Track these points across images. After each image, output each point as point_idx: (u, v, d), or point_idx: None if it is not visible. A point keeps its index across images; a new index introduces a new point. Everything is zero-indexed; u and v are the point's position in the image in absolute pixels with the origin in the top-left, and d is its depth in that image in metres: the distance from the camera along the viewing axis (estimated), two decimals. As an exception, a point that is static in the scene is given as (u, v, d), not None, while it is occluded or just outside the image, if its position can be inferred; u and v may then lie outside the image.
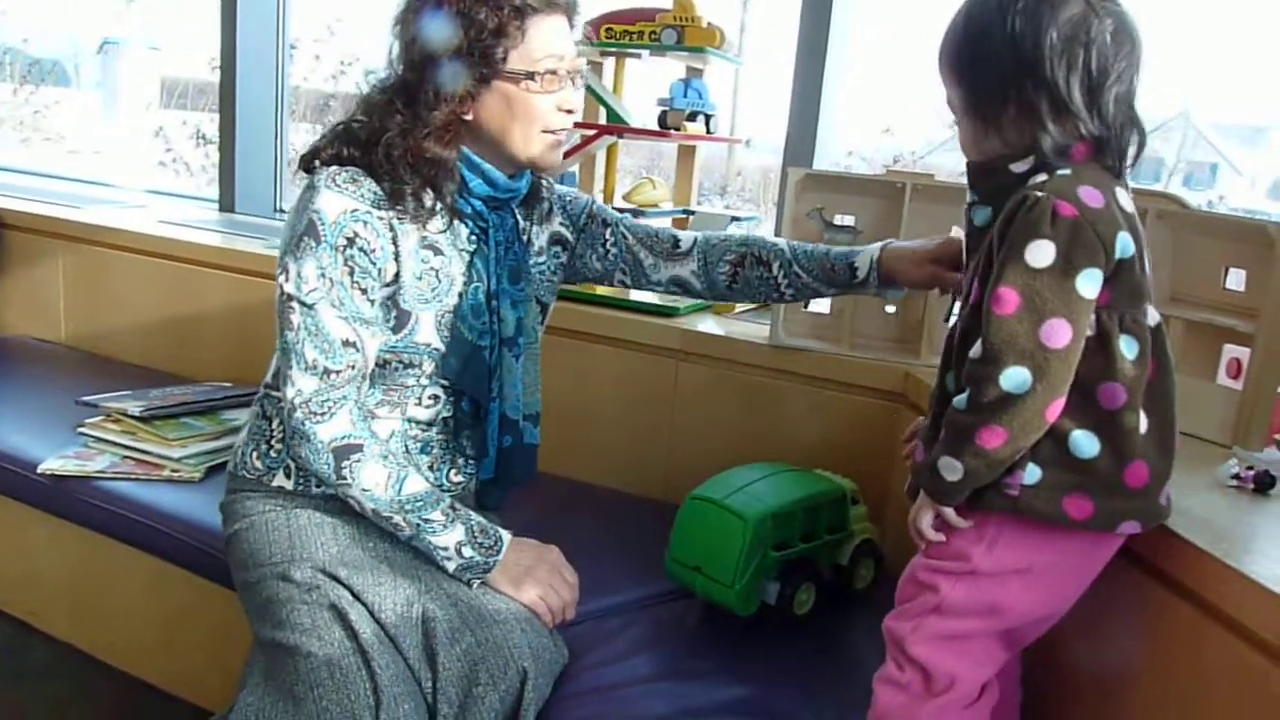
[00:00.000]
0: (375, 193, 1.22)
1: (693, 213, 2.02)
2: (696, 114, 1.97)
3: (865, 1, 2.11)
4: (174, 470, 1.79)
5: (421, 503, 1.22)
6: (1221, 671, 0.89)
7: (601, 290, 1.87)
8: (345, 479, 1.20)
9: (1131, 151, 0.94)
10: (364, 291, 1.21)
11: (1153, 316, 0.93)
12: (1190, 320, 1.29)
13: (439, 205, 1.26)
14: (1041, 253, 0.87)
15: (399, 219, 1.23)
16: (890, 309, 1.68)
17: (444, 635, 1.18)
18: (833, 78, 2.04)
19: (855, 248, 1.39)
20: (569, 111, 1.27)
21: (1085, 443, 0.91)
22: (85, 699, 1.84)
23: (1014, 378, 0.88)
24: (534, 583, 1.25)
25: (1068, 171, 0.91)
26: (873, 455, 1.60)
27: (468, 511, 1.26)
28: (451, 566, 1.24)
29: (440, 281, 1.28)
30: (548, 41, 1.22)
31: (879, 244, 1.37)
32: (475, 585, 1.25)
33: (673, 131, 1.94)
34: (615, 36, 1.90)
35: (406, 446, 1.31)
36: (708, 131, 2.00)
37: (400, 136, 1.21)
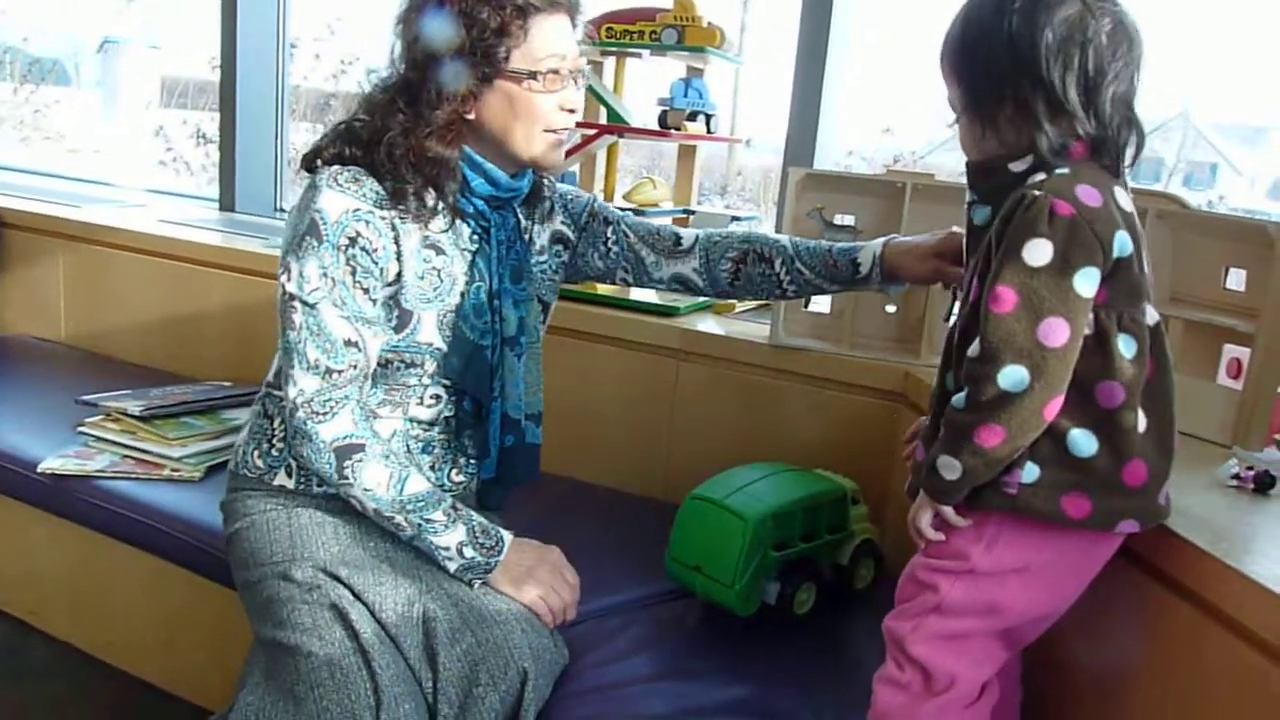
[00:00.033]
0: (377, 192, 1.22)
1: (693, 212, 2.02)
2: (697, 114, 1.97)
3: (865, 2, 2.11)
4: (174, 469, 1.79)
5: (423, 503, 1.22)
6: (1221, 671, 0.89)
7: (602, 289, 1.87)
8: (347, 479, 1.20)
9: (1130, 152, 0.94)
10: (366, 291, 1.21)
11: (1151, 316, 0.93)
12: (1190, 320, 1.29)
13: (441, 205, 1.26)
14: (1039, 251, 0.88)
15: (401, 218, 1.23)
16: (890, 308, 1.68)
17: (444, 635, 1.18)
18: (833, 78, 2.04)
19: (857, 244, 1.38)
20: (571, 111, 1.27)
21: (1083, 441, 0.91)
22: (85, 698, 1.84)
23: (1012, 376, 0.88)
24: (535, 583, 1.25)
25: (1066, 171, 0.91)
26: (873, 455, 1.60)
27: (469, 512, 1.26)
28: (453, 567, 1.24)
29: (442, 281, 1.28)
30: (550, 41, 1.22)
31: (881, 239, 1.37)
32: (476, 585, 1.25)
33: (673, 131, 1.94)
34: (616, 36, 1.90)
35: (408, 446, 1.31)
36: (708, 131, 2.00)
37: (402, 136, 1.21)
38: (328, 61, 5.15)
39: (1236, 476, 1.11)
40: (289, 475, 1.31)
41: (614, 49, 1.93)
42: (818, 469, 1.47)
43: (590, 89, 1.88)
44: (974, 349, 0.91)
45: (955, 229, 1.31)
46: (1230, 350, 1.28)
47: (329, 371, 1.19)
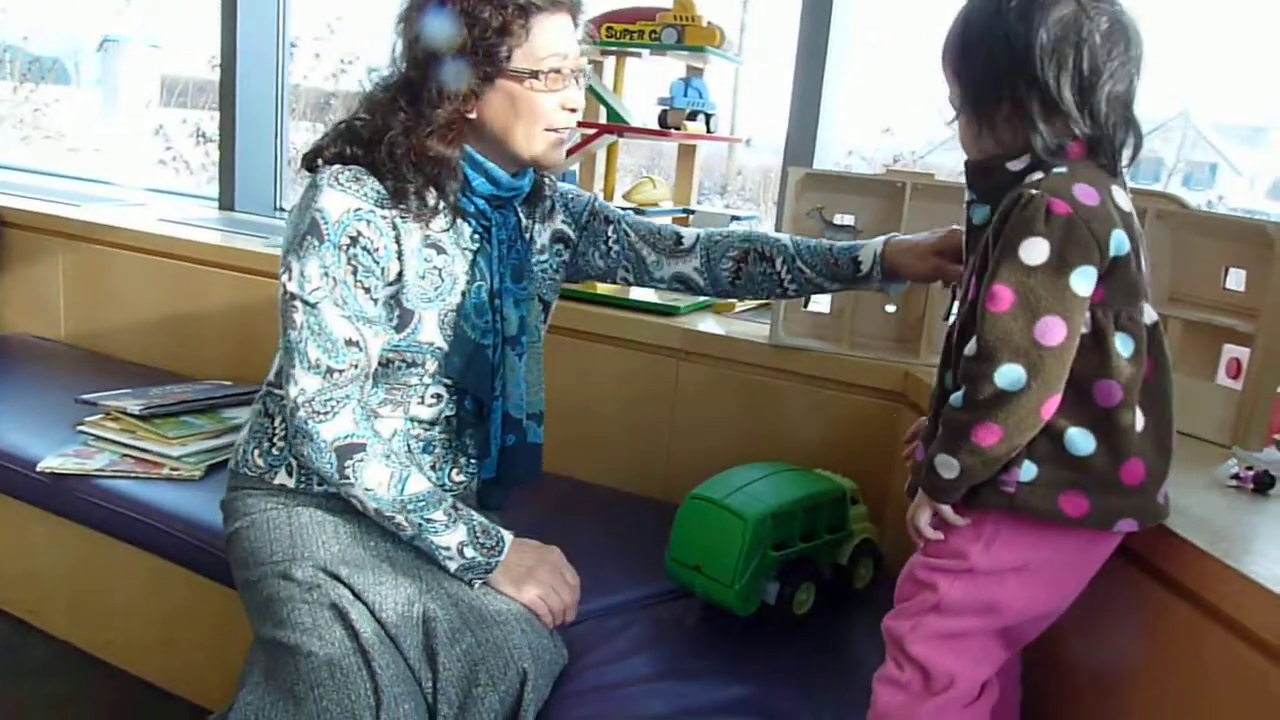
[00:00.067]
0: (378, 191, 1.22)
1: (693, 212, 2.02)
2: (696, 113, 1.97)
3: (865, 2, 2.11)
4: (173, 468, 1.79)
5: (424, 502, 1.22)
6: (1221, 671, 0.89)
7: (602, 289, 1.87)
8: (348, 478, 1.20)
9: (1127, 151, 0.94)
10: (367, 290, 1.21)
11: (1149, 315, 0.93)
12: (1190, 320, 1.29)
13: (442, 204, 1.26)
14: (1036, 250, 0.88)
15: (402, 218, 1.23)
16: (890, 308, 1.68)
17: (444, 635, 1.18)
18: (833, 77, 2.04)
19: (858, 242, 1.39)
20: (572, 110, 1.27)
21: (1081, 440, 0.91)
22: (84, 697, 1.84)
23: (1008, 375, 0.88)
24: (535, 583, 1.25)
25: (1064, 169, 0.91)
26: (873, 455, 1.60)
27: (470, 512, 1.26)
28: (453, 566, 1.24)
29: (443, 280, 1.28)
30: (552, 40, 1.22)
31: (882, 238, 1.37)
32: (477, 585, 1.25)
33: (673, 131, 1.94)
34: (616, 35, 1.90)
35: (409, 445, 1.31)
36: (708, 131, 2.00)
37: (403, 135, 1.21)
38: (327, 61, 5.16)
39: (1236, 476, 1.11)
40: (289, 474, 1.31)
41: (614, 48, 1.93)
42: (817, 469, 1.47)
43: (590, 88, 1.88)
44: (971, 348, 0.91)
45: (955, 227, 1.31)
46: (1230, 350, 1.28)
47: (330, 371, 1.19)
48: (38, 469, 1.77)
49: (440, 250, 1.27)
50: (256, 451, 1.33)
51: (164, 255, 2.34)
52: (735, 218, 1.97)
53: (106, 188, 3.24)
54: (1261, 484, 1.09)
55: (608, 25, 1.89)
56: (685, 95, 1.95)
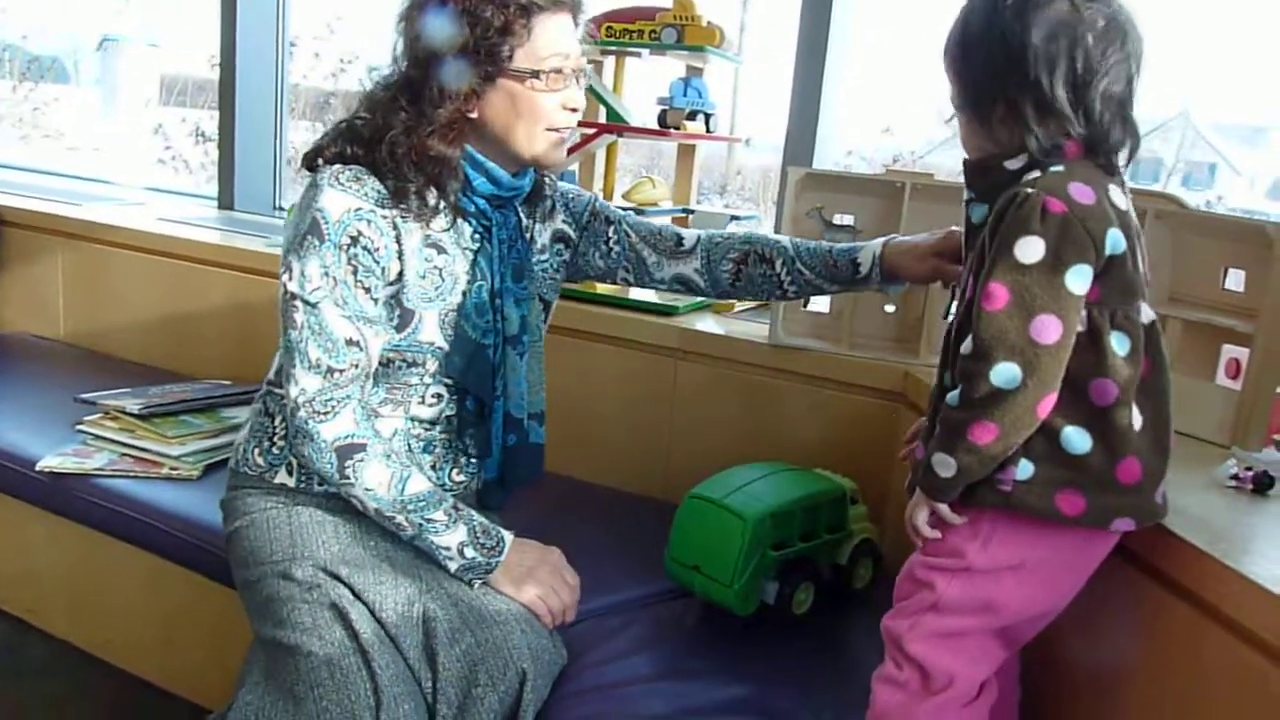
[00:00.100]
0: (379, 191, 1.22)
1: (692, 212, 2.02)
2: (696, 113, 1.97)
3: (865, 1, 2.11)
4: (173, 468, 1.79)
5: (424, 503, 1.22)
6: (1220, 671, 0.89)
7: (601, 289, 1.87)
8: (348, 478, 1.20)
9: (1124, 150, 0.94)
10: (367, 290, 1.21)
11: (1146, 314, 0.93)
12: (1189, 320, 1.29)
13: (442, 203, 1.26)
14: (1031, 249, 0.88)
15: (402, 217, 1.23)
16: (890, 308, 1.68)
17: (444, 635, 1.18)
18: (833, 77, 2.04)
19: (857, 244, 1.39)
20: (573, 110, 1.27)
21: (1077, 439, 0.91)
22: (83, 696, 1.84)
23: (1004, 373, 0.88)
24: (535, 583, 1.25)
25: (1061, 168, 0.92)
26: (872, 455, 1.60)
27: (470, 512, 1.26)
28: (454, 567, 1.24)
29: (444, 280, 1.27)
30: (553, 40, 1.22)
31: (881, 240, 1.37)
32: (477, 585, 1.25)
33: (672, 130, 1.94)
34: (615, 35, 1.90)
35: (409, 445, 1.31)
36: (707, 130, 2.00)
37: (404, 134, 1.21)
38: (327, 60, 5.15)
39: (1235, 477, 1.11)
40: (290, 474, 1.31)
41: (614, 48, 1.93)
42: (817, 468, 1.47)
43: (590, 88, 1.88)
44: (967, 346, 0.91)
45: (955, 228, 1.32)
46: (1229, 350, 1.28)
47: (330, 371, 1.19)
48: (37, 468, 1.77)
49: (441, 250, 1.27)
50: (257, 450, 1.33)
51: (163, 254, 2.34)
52: (735, 217, 1.97)
53: (106, 187, 3.24)
54: (1261, 484, 1.09)
55: (607, 25, 1.89)
56: (685, 95, 1.95)
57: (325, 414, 1.19)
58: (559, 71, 1.23)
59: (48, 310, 2.55)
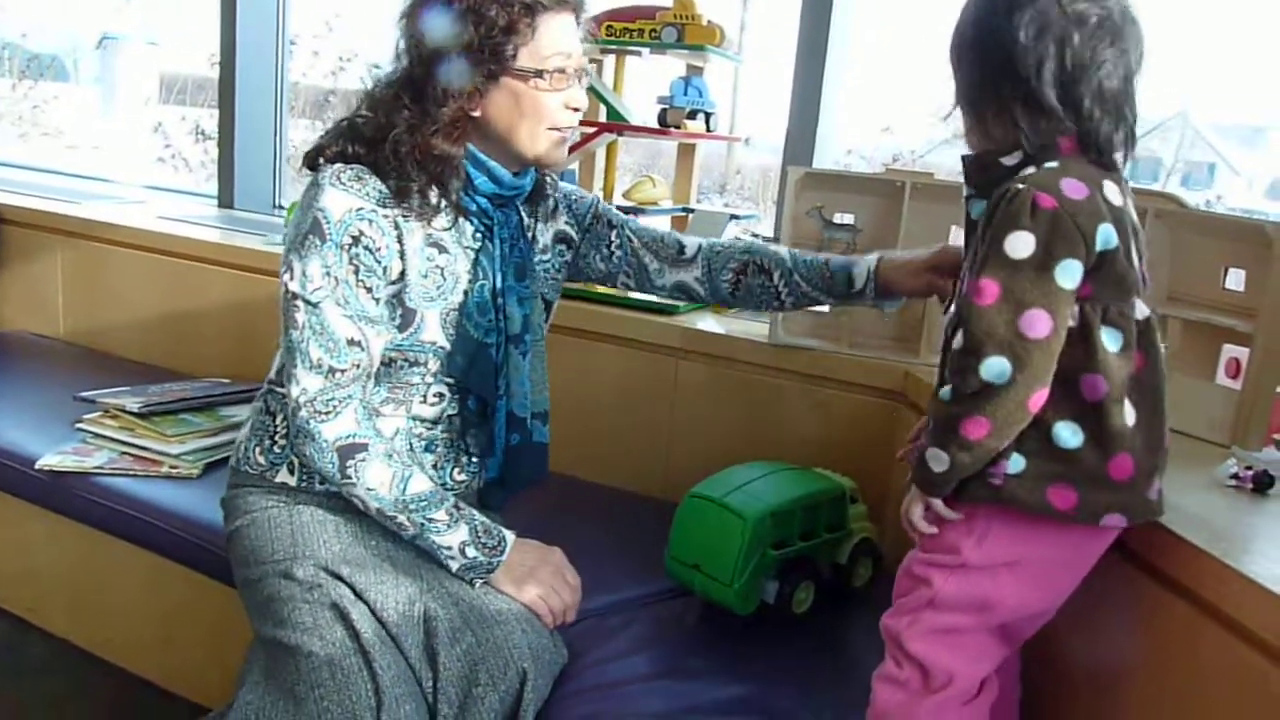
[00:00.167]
0: (380, 190, 1.22)
1: (692, 211, 2.02)
2: (696, 112, 1.97)
3: (865, 1, 2.11)
4: (172, 466, 1.79)
5: (425, 502, 1.22)
6: (1220, 671, 0.89)
7: (600, 288, 1.87)
8: (350, 478, 1.20)
9: (1119, 146, 0.94)
10: (369, 290, 1.21)
11: (1141, 310, 0.93)
12: (1189, 320, 1.29)
13: (444, 202, 1.26)
14: (1021, 244, 0.88)
15: (404, 217, 1.23)
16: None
17: (445, 635, 1.18)
18: (833, 76, 2.04)
19: (853, 258, 1.39)
20: (575, 110, 1.27)
21: (1068, 434, 0.91)
22: (83, 695, 1.84)
23: (994, 368, 0.89)
24: (536, 583, 1.25)
25: (1055, 164, 0.92)
26: (872, 454, 1.60)
27: (472, 511, 1.26)
28: (455, 566, 1.24)
29: (445, 279, 1.27)
30: (557, 39, 1.22)
31: (875, 255, 1.37)
32: (478, 585, 1.25)
33: (672, 129, 1.94)
34: (616, 34, 1.90)
35: (410, 444, 1.31)
36: (707, 130, 2.00)
37: (408, 133, 1.20)
38: (326, 58, 5.14)
39: (1235, 476, 1.11)
40: (291, 473, 1.31)
41: (614, 47, 1.93)
42: (817, 468, 1.47)
43: (590, 87, 1.88)
44: (958, 340, 0.92)
45: (949, 245, 1.33)
46: (1229, 350, 1.29)
47: (332, 371, 1.19)
48: (36, 466, 1.77)
49: (442, 249, 1.27)
50: (258, 449, 1.33)
51: (163, 253, 2.34)
52: (734, 217, 1.97)
53: (105, 185, 3.24)
54: (1261, 484, 1.09)
55: (608, 24, 1.89)
56: (685, 94, 1.95)
57: (327, 414, 1.19)
58: (562, 71, 1.23)
59: (47, 308, 2.55)
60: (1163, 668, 0.97)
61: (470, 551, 1.23)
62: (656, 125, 1.95)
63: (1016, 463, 0.92)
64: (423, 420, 1.32)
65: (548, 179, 1.40)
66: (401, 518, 1.21)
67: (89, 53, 7.49)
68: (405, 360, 1.27)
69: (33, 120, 6.80)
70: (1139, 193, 1.02)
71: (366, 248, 1.20)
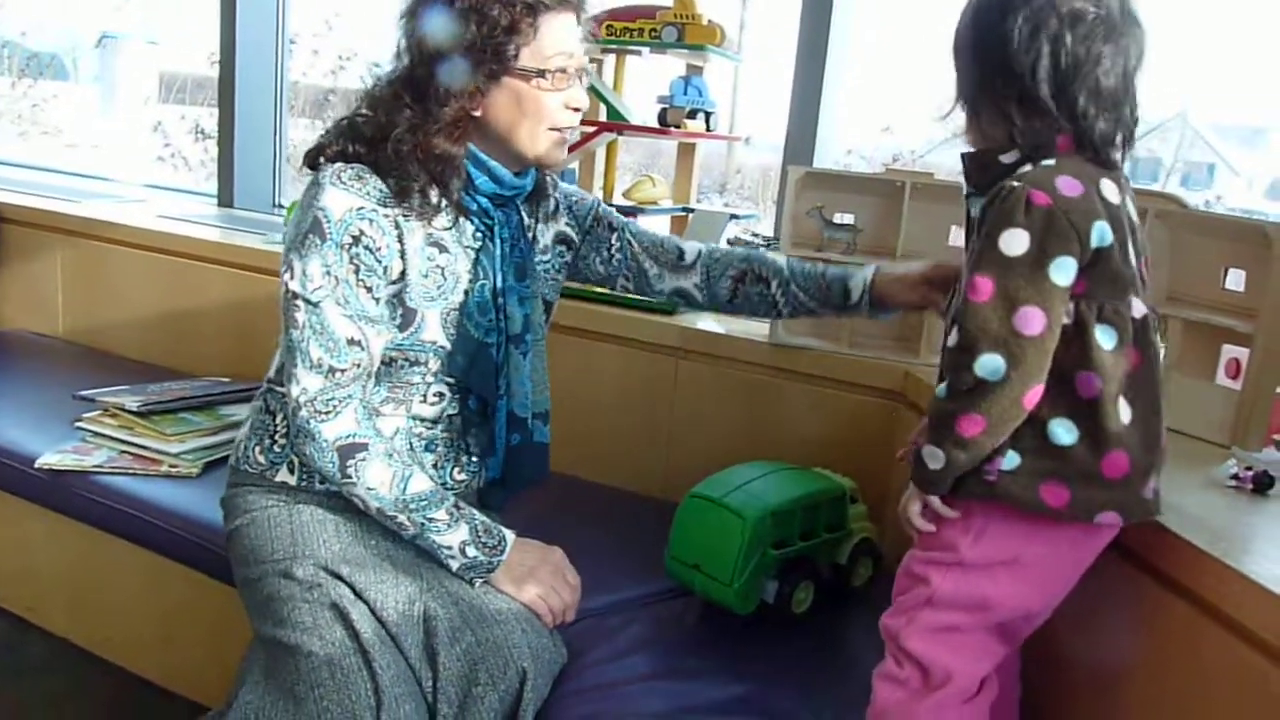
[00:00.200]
0: (381, 190, 1.22)
1: (692, 210, 2.02)
2: (696, 111, 1.97)
3: (865, 1, 2.11)
4: (172, 465, 1.79)
5: (426, 502, 1.22)
6: (1220, 671, 0.89)
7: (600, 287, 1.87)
8: (350, 478, 1.20)
9: (1115, 145, 0.94)
10: (369, 290, 1.21)
11: (1138, 308, 0.93)
12: (1189, 320, 1.29)
13: (444, 202, 1.26)
14: (1015, 241, 0.89)
15: (404, 216, 1.23)
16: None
17: (445, 634, 1.18)
18: (833, 76, 2.04)
19: (850, 270, 1.40)
20: (576, 110, 1.27)
21: (1062, 431, 0.91)
22: (82, 694, 1.84)
23: (988, 365, 0.89)
24: (536, 583, 1.25)
25: (1051, 162, 0.93)
26: (872, 454, 1.60)
27: (472, 511, 1.26)
28: (455, 565, 1.24)
29: (446, 279, 1.27)
30: (559, 39, 1.22)
31: (871, 267, 1.38)
32: (478, 584, 1.25)
33: (673, 129, 1.94)
34: (616, 33, 1.90)
35: (410, 444, 1.31)
36: (707, 129, 2.00)
37: (409, 132, 1.20)
38: (326, 57, 5.15)
39: (1235, 477, 1.11)
40: (291, 472, 1.31)
41: (614, 46, 1.93)
42: (816, 467, 1.47)
43: (590, 86, 1.88)
44: (952, 337, 0.92)
45: (944, 260, 1.34)
46: (1229, 350, 1.28)
47: (332, 370, 1.19)
48: (36, 465, 1.77)
49: (443, 249, 1.27)
50: (258, 448, 1.33)
51: (162, 251, 2.34)
52: (735, 216, 1.97)
53: (105, 184, 3.24)
54: (1261, 484, 1.09)
55: (608, 23, 1.89)
56: (685, 93, 1.95)
57: (327, 413, 1.19)
58: (564, 71, 1.23)
59: (47, 307, 2.55)
60: (1163, 668, 0.97)
61: (470, 551, 1.23)
62: (656, 125, 1.95)
63: (1011, 459, 0.92)
64: (423, 420, 1.32)
65: (548, 179, 1.40)
66: (402, 517, 1.21)
67: (88, 51, 7.49)
68: (406, 360, 1.27)
69: (32, 119, 6.80)
70: (1139, 193, 1.02)
71: (367, 247, 1.20)
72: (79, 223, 2.47)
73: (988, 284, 0.89)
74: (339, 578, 1.21)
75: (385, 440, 1.23)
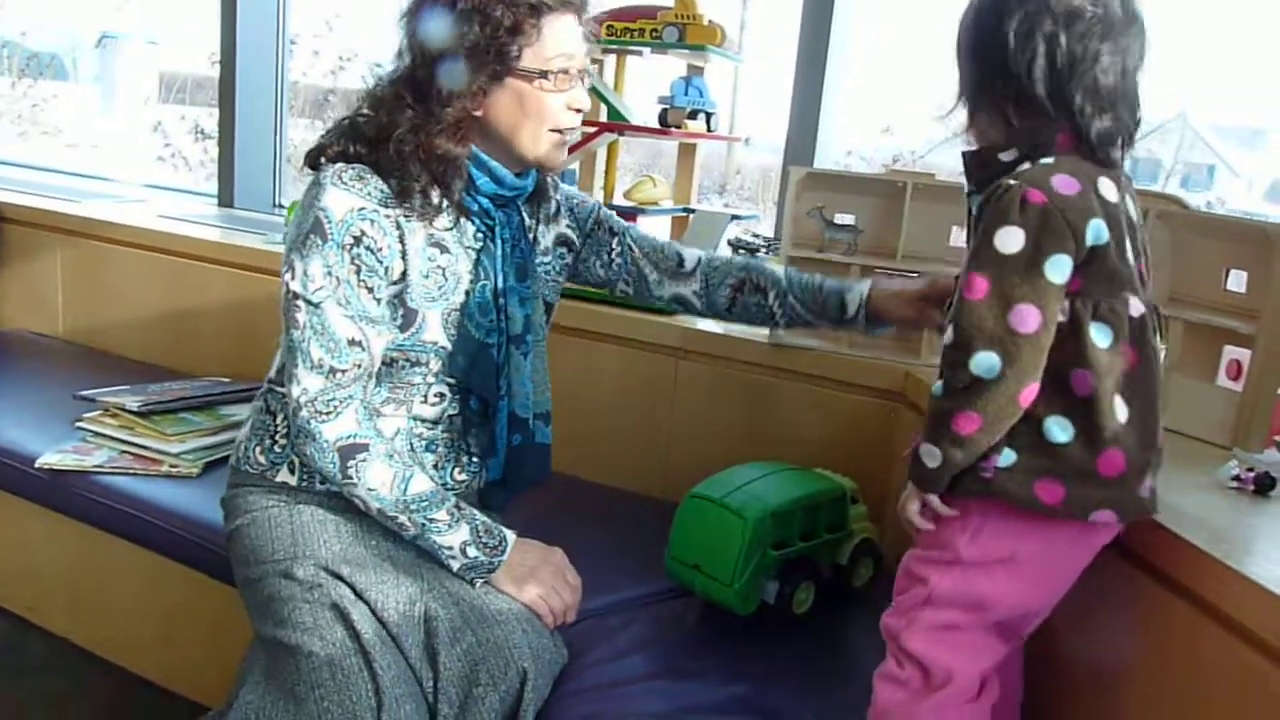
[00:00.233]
0: (382, 190, 1.22)
1: (692, 211, 2.02)
2: (697, 112, 1.97)
3: (865, 2, 2.11)
4: (172, 465, 1.79)
5: (426, 502, 1.22)
6: (1220, 671, 0.89)
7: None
8: (351, 478, 1.20)
9: (1114, 143, 0.94)
10: (370, 290, 1.21)
11: (1135, 307, 0.93)
12: (1190, 321, 1.29)
13: (445, 202, 1.26)
14: (1010, 239, 0.89)
15: (405, 217, 1.23)
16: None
17: (445, 634, 1.18)
18: (833, 77, 2.04)
19: (847, 283, 1.40)
20: (578, 111, 1.27)
21: (1057, 429, 0.91)
22: (83, 694, 1.84)
23: (983, 363, 0.89)
24: (537, 583, 1.25)
25: (1050, 160, 0.93)
26: (872, 454, 1.60)
27: (473, 511, 1.26)
28: (456, 566, 1.24)
29: (447, 280, 1.27)
30: (561, 40, 1.22)
31: (868, 282, 1.38)
32: (478, 584, 1.25)
33: (673, 129, 1.94)
34: (617, 34, 1.90)
35: (411, 444, 1.31)
36: (708, 129, 2.00)
37: (411, 132, 1.20)
38: (326, 58, 5.15)
39: (1236, 478, 1.11)
40: (291, 472, 1.31)
41: (615, 47, 1.93)
42: (817, 468, 1.47)
43: (591, 87, 1.88)
44: (948, 335, 0.92)
45: (940, 276, 1.34)
46: (1230, 351, 1.28)
47: (333, 371, 1.19)
48: (36, 465, 1.77)
49: (444, 249, 1.27)
50: (258, 449, 1.33)
51: (163, 251, 2.34)
52: (735, 217, 1.97)
53: (105, 184, 3.24)
54: (1262, 485, 1.09)
55: (609, 24, 1.89)
56: (685, 94, 1.95)
57: (327, 414, 1.19)
58: (566, 72, 1.23)
59: (47, 307, 2.55)
60: (1163, 668, 0.97)
61: (471, 551, 1.23)
62: (657, 125, 1.95)
63: (1007, 456, 0.93)
64: (424, 420, 1.32)
65: (549, 181, 1.40)
66: (403, 518, 1.21)
67: (88, 51, 7.49)
68: (406, 360, 1.27)
69: (32, 119, 6.80)
70: (1140, 194, 1.02)
71: (368, 248, 1.20)
72: (79, 223, 2.47)
73: (983, 282, 0.89)
74: (339, 578, 1.21)
75: (386, 441, 1.23)
